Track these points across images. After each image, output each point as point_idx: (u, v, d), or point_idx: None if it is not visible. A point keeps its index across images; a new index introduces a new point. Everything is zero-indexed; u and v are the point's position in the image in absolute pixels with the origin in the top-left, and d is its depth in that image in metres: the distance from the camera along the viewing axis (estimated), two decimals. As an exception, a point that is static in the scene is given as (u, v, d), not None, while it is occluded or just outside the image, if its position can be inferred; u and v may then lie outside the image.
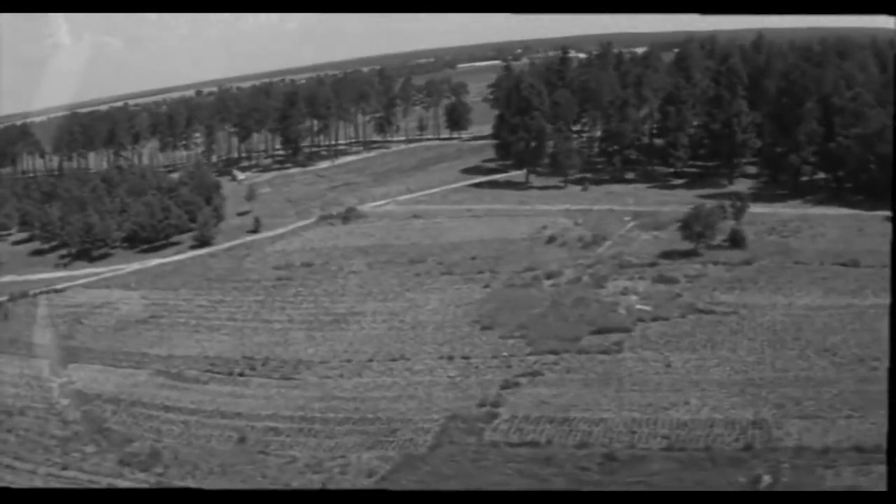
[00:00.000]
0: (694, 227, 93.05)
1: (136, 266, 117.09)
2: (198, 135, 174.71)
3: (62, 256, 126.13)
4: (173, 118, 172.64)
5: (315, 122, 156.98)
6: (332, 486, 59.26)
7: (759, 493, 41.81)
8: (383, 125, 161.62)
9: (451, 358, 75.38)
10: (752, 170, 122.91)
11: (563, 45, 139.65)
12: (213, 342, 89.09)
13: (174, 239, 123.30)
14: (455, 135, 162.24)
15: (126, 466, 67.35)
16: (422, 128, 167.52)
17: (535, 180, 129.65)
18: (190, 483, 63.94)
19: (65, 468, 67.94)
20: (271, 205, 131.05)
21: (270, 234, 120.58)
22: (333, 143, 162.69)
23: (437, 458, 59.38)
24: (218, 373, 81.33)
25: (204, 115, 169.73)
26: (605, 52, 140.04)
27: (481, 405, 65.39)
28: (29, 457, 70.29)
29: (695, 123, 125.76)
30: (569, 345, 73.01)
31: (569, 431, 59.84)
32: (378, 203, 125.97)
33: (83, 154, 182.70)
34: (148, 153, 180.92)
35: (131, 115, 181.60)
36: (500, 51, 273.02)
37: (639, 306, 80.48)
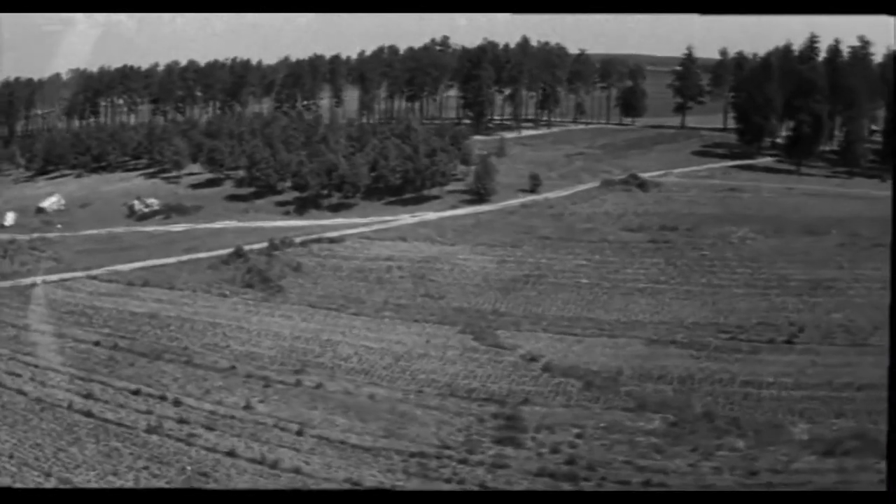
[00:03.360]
0: None
1: (408, 219, 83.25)
2: (322, 97, 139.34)
3: (280, 203, 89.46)
4: (317, 69, 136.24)
5: (501, 89, 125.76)
6: None
7: (760, 493, 34.22)
8: (548, 102, 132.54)
9: None
10: None
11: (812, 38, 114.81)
12: (672, 306, 61.27)
13: (428, 192, 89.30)
14: (627, 121, 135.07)
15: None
16: (581, 111, 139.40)
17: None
18: None
19: (754, 473, 37.44)
20: (511, 167, 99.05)
21: (553, 195, 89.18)
22: (498, 115, 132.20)
23: None
24: (752, 341, 54.61)
25: (350, 71, 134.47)
26: (864, 45, 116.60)
27: None
28: (650, 463, 38.99)
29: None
30: None
31: None
32: (650, 174, 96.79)
33: (180, 108, 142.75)
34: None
35: (249, 67, 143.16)
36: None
37: None
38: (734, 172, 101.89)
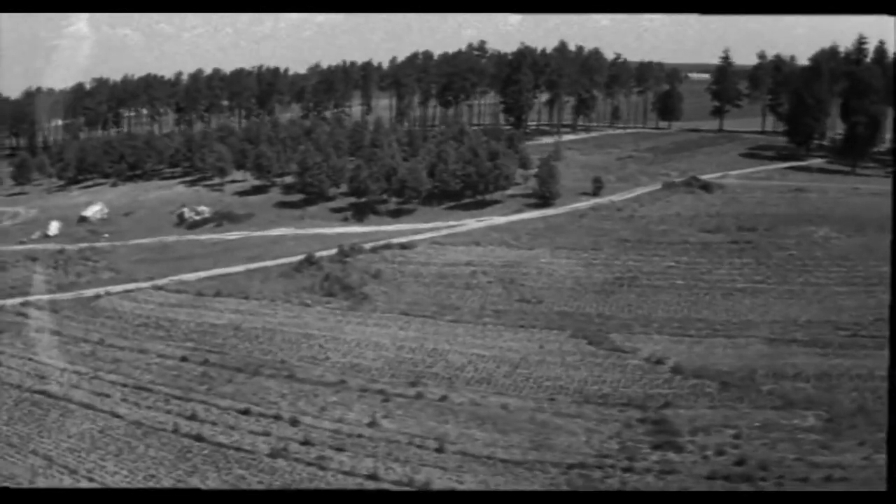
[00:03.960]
0: None
1: (475, 223, 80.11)
2: (350, 103, 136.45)
3: (335, 210, 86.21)
4: (349, 74, 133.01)
5: (540, 92, 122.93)
6: None
7: (760, 493, 32.90)
8: (585, 107, 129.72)
9: None
10: None
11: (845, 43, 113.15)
12: (778, 305, 60.05)
13: (489, 197, 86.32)
14: (663, 124, 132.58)
15: None
16: (617, 115, 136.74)
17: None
18: None
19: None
20: (566, 171, 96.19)
21: (617, 197, 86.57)
22: (533, 121, 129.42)
23: None
24: (875, 337, 51.25)
25: (383, 78, 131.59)
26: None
27: None
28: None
29: None
30: None
31: None
32: (708, 177, 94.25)
33: (204, 117, 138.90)
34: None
35: (278, 75, 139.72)
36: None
37: None
38: (791, 174, 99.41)
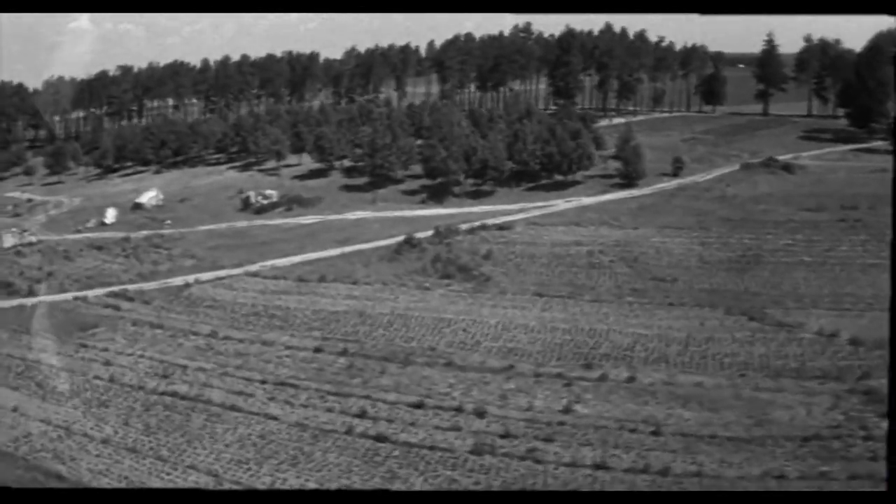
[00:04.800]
0: None
1: (563, 204, 77.70)
2: (382, 90, 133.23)
3: (406, 192, 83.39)
4: (388, 58, 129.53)
5: (587, 75, 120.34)
6: None
7: (760, 493, 30.89)
8: (629, 91, 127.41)
9: None
10: None
11: None
12: None
13: (570, 177, 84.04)
14: (706, 108, 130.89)
15: None
16: (659, 100, 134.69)
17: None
18: None
19: None
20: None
21: (700, 178, 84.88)
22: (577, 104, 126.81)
23: None
24: None
25: (421, 62, 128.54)
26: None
27: None
28: None
29: None
30: None
31: None
32: (783, 158, 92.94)
33: (229, 105, 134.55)
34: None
35: (313, 59, 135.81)
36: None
37: None
38: (862, 155, 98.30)
